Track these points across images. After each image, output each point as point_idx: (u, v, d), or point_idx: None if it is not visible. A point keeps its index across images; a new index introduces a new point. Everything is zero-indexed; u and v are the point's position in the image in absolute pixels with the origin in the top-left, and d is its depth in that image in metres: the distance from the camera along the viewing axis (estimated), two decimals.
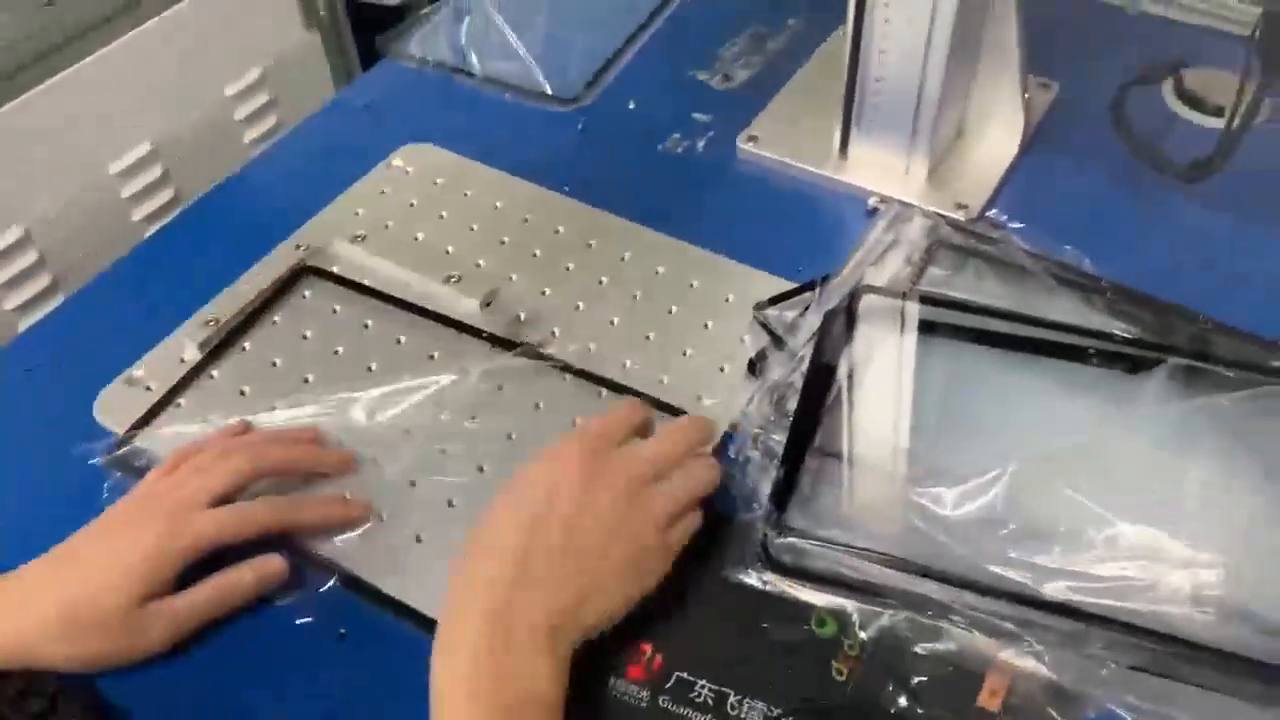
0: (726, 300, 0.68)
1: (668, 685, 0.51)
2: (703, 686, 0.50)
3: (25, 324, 0.95)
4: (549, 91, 0.84)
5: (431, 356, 0.65)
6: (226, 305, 0.68)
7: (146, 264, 0.74)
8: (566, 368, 0.64)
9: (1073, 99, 0.79)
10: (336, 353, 0.66)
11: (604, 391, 0.63)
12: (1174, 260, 0.68)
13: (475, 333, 0.66)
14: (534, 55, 0.86)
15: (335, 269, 0.71)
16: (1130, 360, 0.59)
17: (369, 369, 0.65)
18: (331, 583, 0.55)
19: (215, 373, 0.65)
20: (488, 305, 0.67)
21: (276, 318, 0.68)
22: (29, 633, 0.50)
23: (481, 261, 0.71)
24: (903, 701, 0.49)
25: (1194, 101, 0.79)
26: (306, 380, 0.64)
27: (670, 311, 0.67)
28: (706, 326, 0.66)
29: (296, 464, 0.58)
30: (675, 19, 0.91)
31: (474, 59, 0.87)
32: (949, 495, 0.53)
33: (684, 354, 0.65)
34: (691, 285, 0.69)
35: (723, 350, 0.65)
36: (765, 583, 0.53)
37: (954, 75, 0.69)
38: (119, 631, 0.50)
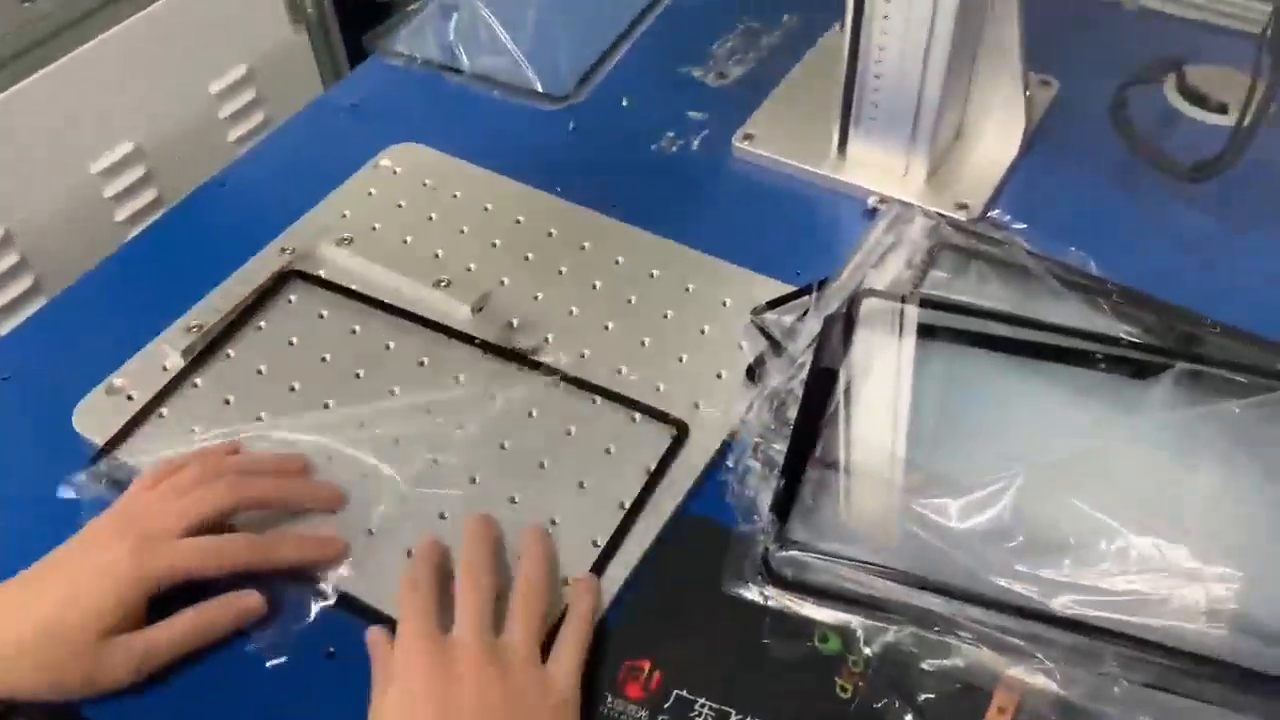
0: (723, 304, 0.66)
1: (666, 704, 0.49)
2: (703, 705, 0.49)
3: (7, 326, 0.93)
4: (539, 89, 0.82)
5: (421, 363, 0.64)
6: (210, 311, 0.66)
7: (127, 268, 0.72)
8: (565, 378, 0.62)
9: (1073, 97, 0.78)
10: (324, 360, 0.64)
11: (598, 399, 0.62)
12: (1178, 261, 0.67)
13: (466, 339, 0.64)
14: (524, 52, 0.85)
15: (322, 273, 0.69)
16: (1136, 365, 0.57)
17: (357, 376, 0.63)
18: (312, 616, 0.53)
19: (199, 381, 0.63)
20: (479, 310, 0.66)
21: (262, 324, 0.66)
22: None
23: (472, 265, 0.69)
24: (909, 719, 0.48)
25: (1196, 98, 0.77)
26: (293, 389, 0.63)
27: (665, 316, 0.66)
28: (703, 331, 0.65)
29: (281, 498, 0.56)
30: (668, 14, 0.89)
31: (463, 56, 0.85)
32: (954, 506, 0.52)
33: (680, 360, 0.63)
34: (687, 289, 0.67)
35: (720, 356, 0.63)
36: (766, 597, 0.52)
37: (954, 73, 0.68)
38: (81, 663, 0.48)
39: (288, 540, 0.55)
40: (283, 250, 0.69)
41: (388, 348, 0.65)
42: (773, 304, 0.65)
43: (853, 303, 0.60)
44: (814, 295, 0.64)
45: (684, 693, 0.49)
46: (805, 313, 0.63)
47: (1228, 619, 0.47)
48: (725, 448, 0.59)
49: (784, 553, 0.51)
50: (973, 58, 0.71)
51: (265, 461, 0.59)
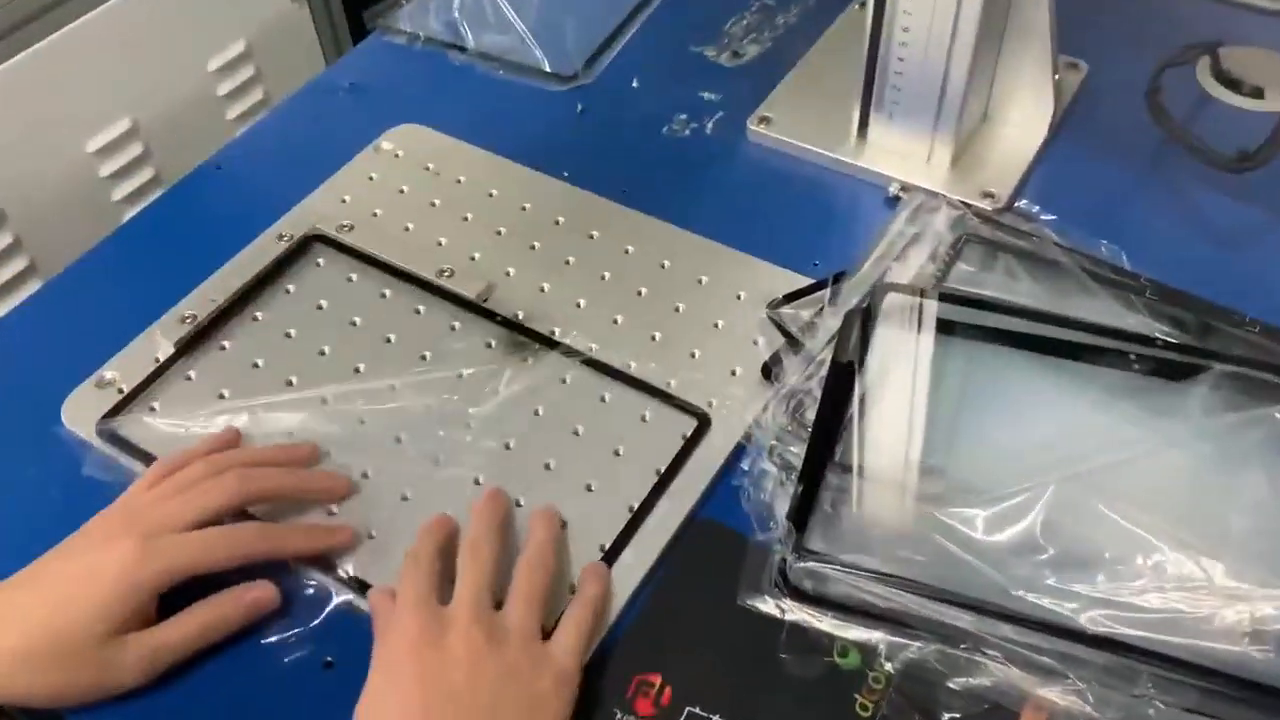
0: (738, 297, 0.63)
1: None
2: None
3: (3, 308, 0.91)
4: (547, 69, 0.79)
5: (424, 357, 0.61)
6: (203, 301, 0.63)
7: (119, 255, 0.69)
8: (586, 360, 0.60)
9: (1103, 79, 0.75)
10: (323, 353, 0.62)
11: (608, 395, 0.59)
12: (1216, 254, 0.64)
13: (478, 318, 0.62)
14: (530, 29, 0.82)
15: (321, 261, 0.66)
16: (1172, 366, 0.54)
17: (357, 370, 0.61)
18: (322, 617, 0.51)
19: (192, 373, 0.61)
20: (484, 302, 0.63)
21: (258, 314, 0.64)
22: None
23: (476, 254, 0.66)
24: None
25: (1230, 82, 0.74)
26: (290, 383, 0.60)
27: (677, 309, 0.63)
28: (716, 326, 0.62)
29: (288, 490, 0.54)
30: None
31: (467, 33, 0.82)
32: (981, 516, 0.49)
33: (692, 355, 0.61)
34: (700, 281, 0.64)
35: (734, 352, 0.61)
36: (783, 610, 0.49)
37: (981, 55, 0.65)
38: (89, 665, 0.46)
39: (297, 528, 0.53)
40: (280, 237, 0.67)
41: (389, 340, 0.62)
42: (789, 297, 0.62)
43: (873, 297, 0.57)
44: (830, 289, 0.61)
45: (696, 709, 0.47)
46: (823, 307, 0.60)
47: (1274, 640, 0.45)
48: (739, 449, 0.56)
49: (802, 564, 0.49)
50: (1000, 38, 0.68)
51: (270, 452, 0.56)
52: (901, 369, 0.55)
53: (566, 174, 0.72)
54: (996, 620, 0.47)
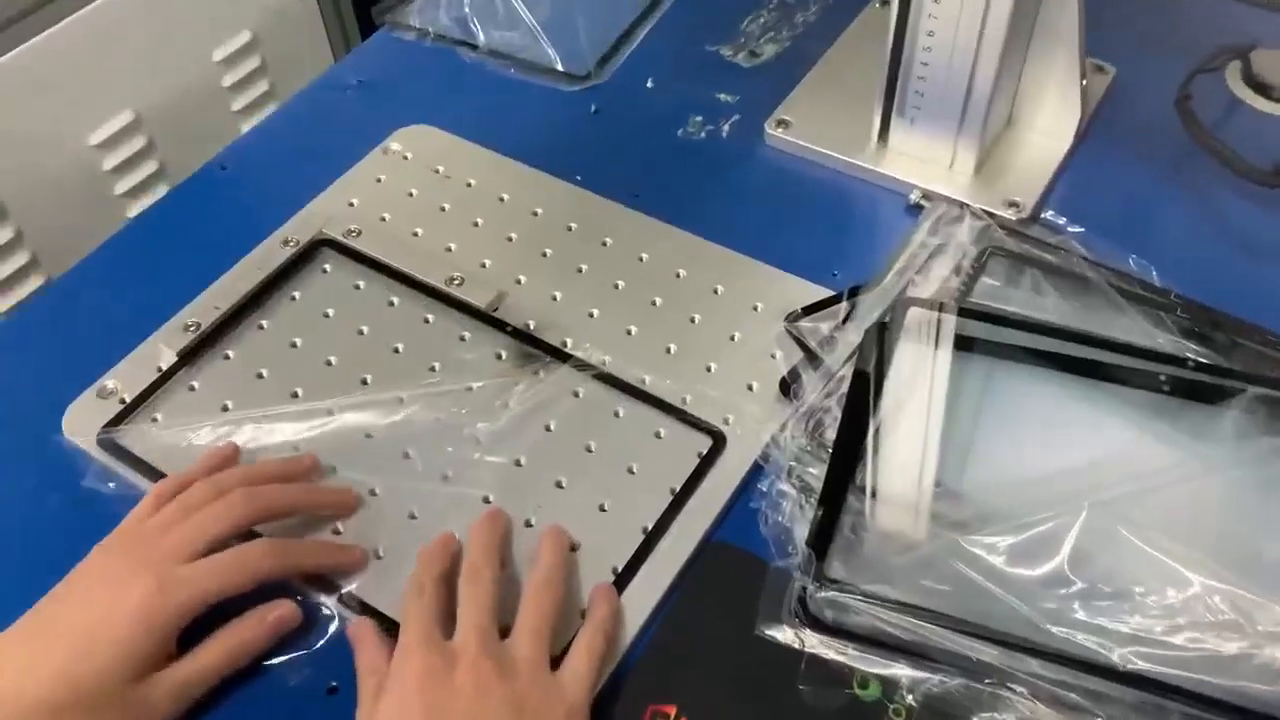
0: (754, 308, 0.62)
1: None
2: None
3: (4, 304, 0.90)
4: (559, 68, 0.77)
5: (433, 368, 0.60)
6: (207, 308, 0.62)
7: (121, 260, 0.68)
8: (598, 374, 0.59)
9: (1131, 83, 0.73)
10: (329, 363, 0.60)
11: (621, 410, 0.57)
12: (1250, 270, 0.63)
13: (489, 327, 0.61)
14: (542, 26, 0.80)
15: (327, 268, 0.65)
16: (1204, 389, 0.53)
17: (364, 381, 0.59)
18: (325, 641, 0.50)
19: (196, 383, 0.60)
20: (494, 311, 0.61)
21: (263, 322, 0.62)
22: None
23: (487, 261, 0.65)
24: None
25: (1261, 87, 0.72)
26: (295, 394, 0.59)
27: (693, 320, 0.62)
28: (733, 338, 0.61)
29: (296, 506, 0.53)
30: None
31: (478, 30, 0.80)
32: (1006, 544, 0.48)
33: (708, 369, 0.59)
34: (716, 291, 0.63)
35: (751, 366, 0.59)
36: (802, 640, 0.48)
37: (1008, 58, 0.63)
38: (116, 710, 0.44)
39: (310, 543, 0.52)
40: (285, 242, 0.65)
41: (397, 350, 0.61)
42: (808, 310, 0.60)
43: (894, 313, 0.56)
44: (844, 304, 0.60)
45: None
46: (844, 320, 0.59)
47: None
48: (757, 469, 0.55)
49: (822, 594, 0.48)
50: (1027, 40, 0.66)
51: (271, 468, 0.55)
52: (923, 387, 0.53)
53: (579, 177, 0.70)
54: (1023, 654, 0.45)
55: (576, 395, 0.58)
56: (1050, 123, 0.69)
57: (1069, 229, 0.63)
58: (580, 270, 0.64)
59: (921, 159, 0.68)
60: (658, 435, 0.56)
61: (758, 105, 0.73)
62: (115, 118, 0.94)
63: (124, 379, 0.59)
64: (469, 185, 0.70)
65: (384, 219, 0.67)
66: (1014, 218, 0.64)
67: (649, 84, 0.77)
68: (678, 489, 0.54)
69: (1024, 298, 0.58)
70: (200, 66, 1.01)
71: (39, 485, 0.56)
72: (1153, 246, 0.61)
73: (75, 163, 0.93)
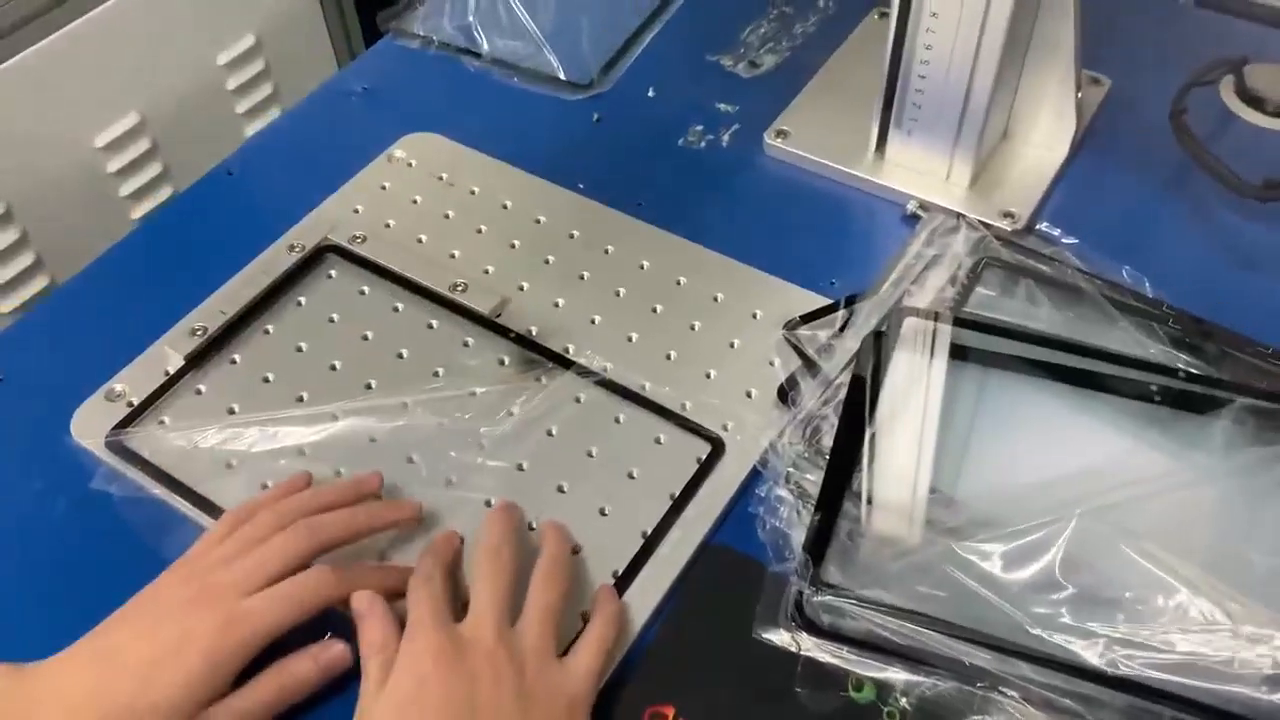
0: (753, 316, 0.63)
1: None
2: None
3: (8, 304, 0.91)
4: (562, 76, 0.78)
5: (436, 373, 0.61)
6: (214, 312, 0.63)
7: (129, 264, 0.69)
8: (600, 381, 0.60)
9: (1125, 96, 0.74)
10: (334, 367, 0.61)
11: (622, 416, 0.58)
12: (1242, 281, 0.64)
13: (492, 334, 0.62)
14: (546, 35, 0.81)
15: (333, 273, 0.66)
16: (1196, 399, 0.54)
17: (369, 386, 0.60)
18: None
19: (202, 387, 0.60)
20: (497, 317, 0.62)
21: (269, 327, 0.63)
22: None
23: (490, 268, 0.66)
24: None
25: (1255, 101, 0.73)
26: (301, 398, 0.60)
27: (693, 328, 0.63)
28: (732, 345, 0.61)
29: (358, 533, 0.52)
30: None
31: (482, 39, 0.81)
32: (999, 551, 0.49)
33: (707, 376, 0.60)
34: (716, 298, 0.64)
35: (750, 373, 0.60)
36: (798, 644, 0.49)
37: (1005, 71, 0.64)
38: None
39: (367, 569, 0.52)
40: (291, 248, 0.66)
41: (401, 356, 0.62)
42: (806, 318, 0.61)
43: (890, 322, 0.57)
44: (842, 312, 0.61)
45: None
46: (842, 329, 0.60)
47: None
48: (755, 475, 0.55)
49: (819, 598, 0.49)
50: (1024, 54, 0.67)
51: (338, 491, 0.54)
52: (918, 395, 0.54)
53: (581, 185, 0.71)
54: (1015, 659, 0.46)
55: (578, 401, 0.59)
56: (1046, 135, 0.70)
57: (1063, 240, 0.64)
58: (582, 277, 0.65)
59: (918, 170, 0.69)
60: (658, 441, 0.57)
61: (757, 115, 0.74)
62: (120, 120, 0.95)
63: (132, 382, 0.60)
64: (472, 193, 0.71)
65: (388, 225, 0.68)
66: (1009, 229, 0.65)
67: (650, 93, 0.78)
68: (677, 494, 0.55)
69: (1018, 308, 0.59)
70: (205, 70, 1.01)
71: (48, 486, 0.57)
72: (1146, 258, 0.62)
73: (80, 165, 0.94)
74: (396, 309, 0.64)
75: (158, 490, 0.56)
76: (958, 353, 0.55)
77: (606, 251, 0.67)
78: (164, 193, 1.01)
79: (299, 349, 0.62)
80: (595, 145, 0.74)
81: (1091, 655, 0.46)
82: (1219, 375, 0.55)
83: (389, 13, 0.84)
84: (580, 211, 0.69)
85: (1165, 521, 0.50)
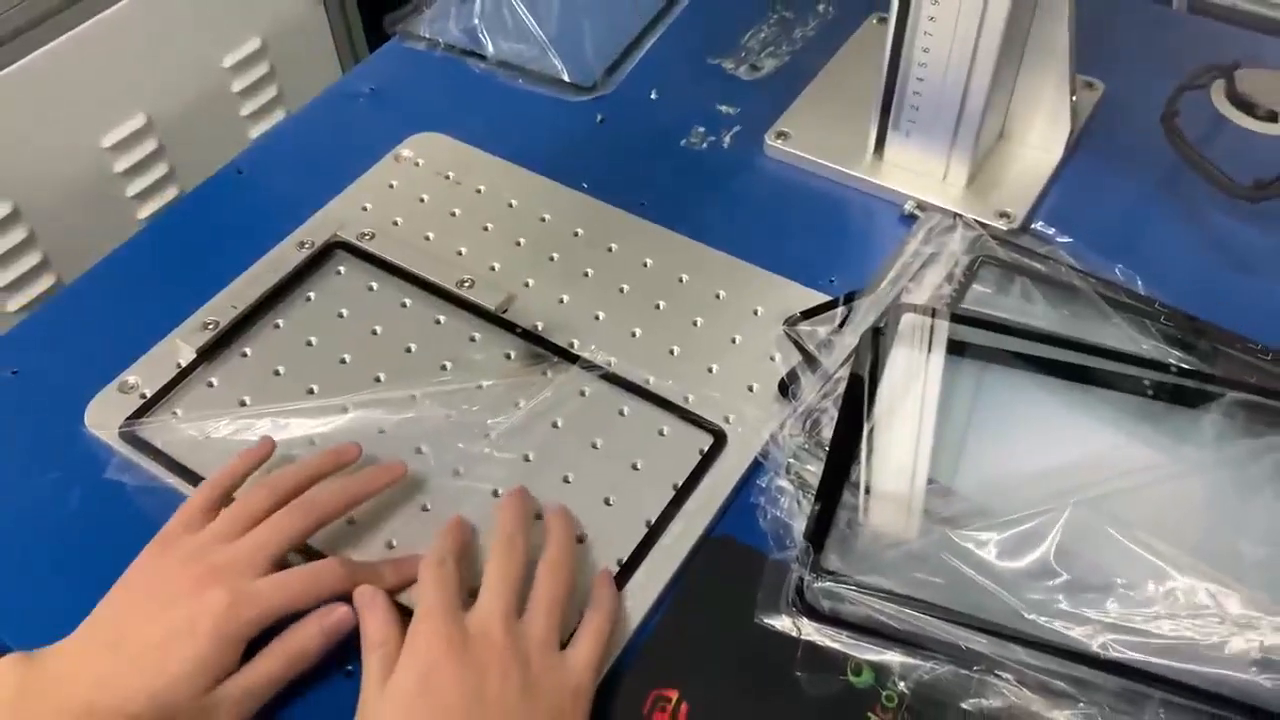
0: (755, 312, 0.64)
1: None
2: None
3: (16, 303, 0.92)
4: (566, 78, 0.80)
5: (444, 367, 0.62)
6: (225, 307, 0.64)
7: (140, 259, 0.70)
8: (605, 375, 0.61)
9: (1119, 99, 0.75)
10: (343, 361, 0.62)
11: (626, 409, 0.60)
12: (1231, 280, 0.65)
13: (498, 329, 0.63)
14: (550, 38, 0.82)
15: (341, 270, 0.67)
16: (1187, 393, 0.55)
17: (377, 379, 0.61)
18: None
19: (214, 379, 0.62)
20: (503, 312, 0.64)
21: (279, 321, 0.64)
22: None
23: (496, 265, 0.67)
24: None
25: (1245, 105, 0.75)
26: (311, 391, 0.61)
27: (695, 324, 0.64)
28: (734, 341, 0.63)
29: (352, 502, 0.54)
30: (698, 2, 0.86)
31: (487, 41, 0.82)
32: (995, 540, 0.50)
33: (710, 370, 0.61)
34: (717, 295, 0.65)
35: (751, 367, 0.61)
36: (799, 629, 0.50)
37: (1001, 75, 0.65)
38: None
39: (384, 568, 0.52)
40: (300, 245, 0.67)
41: (409, 350, 0.63)
42: (807, 314, 0.63)
43: (888, 318, 0.58)
44: (841, 309, 0.62)
45: None
46: (841, 325, 0.61)
47: None
48: (756, 466, 0.57)
49: (819, 584, 0.50)
50: (1019, 58, 0.68)
51: (321, 461, 0.55)
52: (916, 389, 0.56)
53: (585, 184, 0.72)
54: (1010, 643, 0.48)
55: (583, 394, 0.60)
56: (1041, 137, 0.71)
57: (1058, 239, 0.65)
58: (586, 274, 0.67)
59: (916, 171, 0.70)
60: (661, 433, 0.58)
61: (758, 117, 0.76)
62: (127, 121, 0.96)
63: (144, 375, 0.61)
64: (479, 191, 0.72)
65: (396, 223, 0.70)
66: (1005, 228, 0.67)
67: (653, 95, 0.79)
68: (680, 484, 0.56)
69: (1014, 305, 0.61)
70: (211, 72, 1.03)
71: (63, 476, 0.58)
72: (1138, 257, 0.63)
73: (87, 165, 0.95)
74: (404, 304, 0.65)
75: (171, 479, 0.57)
76: (955, 348, 0.57)
77: (610, 249, 0.68)
78: (170, 193, 1.02)
79: (309, 343, 0.63)
80: (599, 146, 0.76)
81: (1085, 640, 0.47)
82: (1210, 370, 0.57)
83: (396, 15, 0.85)
84: (584, 210, 0.70)
85: (1157, 511, 0.51)
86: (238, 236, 0.69)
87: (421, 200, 0.71)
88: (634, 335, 0.63)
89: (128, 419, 0.59)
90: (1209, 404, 0.54)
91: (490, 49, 0.82)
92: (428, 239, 0.69)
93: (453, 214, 0.70)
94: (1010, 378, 0.57)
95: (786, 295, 0.65)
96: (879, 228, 0.69)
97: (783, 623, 0.50)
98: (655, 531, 0.54)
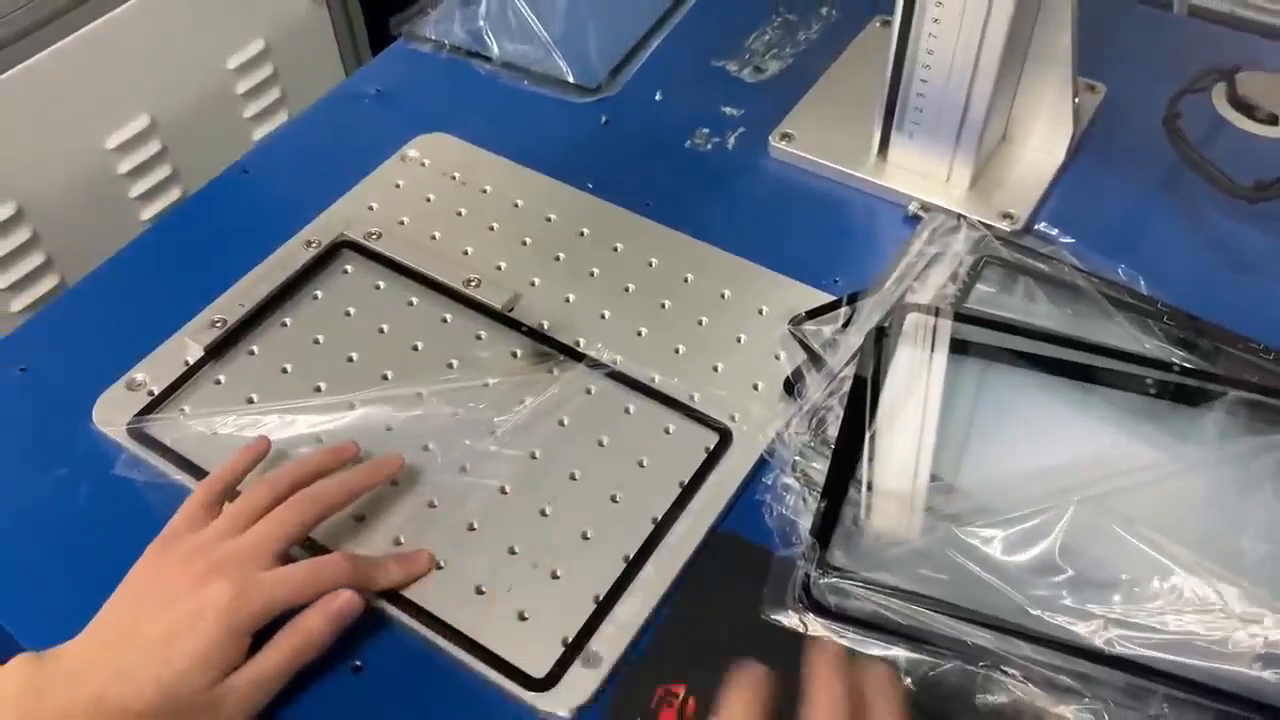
0: (759, 312, 0.64)
1: None
2: None
3: (19, 303, 0.92)
4: (571, 80, 0.80)
5: (450, 365, 0.62)
6: (232, 305, 0.64)
7: (148, 258, 0.70)
8: (611, 373, 0.61)
9: (1121, 102, 0.76)
10: (351, 359, 0.62)
11: (632, 407, 0.60)
12: (1233, 281, 0.65)
13: (505, 327, 0.63)
14: (555, 40, 0.82)
15: (349, 268, 0.67)
16: (1189, 392, 0.56)
17: (385, 377, 0.62)
18: None
19: (222, 377, 0.62)
20: (509, 312, 0.64)
21: (287, 319, 0.64)
22: None
23: (502, 264, 0.67)
24: None
25: (1245, 108, 0.75)
26: (319, 388, 0.61)
27: (700, 323, 0.64)
28: (739, 340, 0.63)
29: (352, 495, 0.54)
30: (702, 5, 0.87)
31: (492, 43, 0.83)
32: (1000, 536, 0.50)
33: (715, 369, 0.62)
34: (723, 295, 0.65)
35: (756, 366, 0.62)
36: (805, 625, 0.50)
37: (1004, 77, 0.65)
38: (199, 713, 0.46)
39: (384, 561, 0.53)
40: (308, 244, 0.68)
41: (416, 348, 0.63)
42: (812, 314, 0.63)
43: (893, 317, 0.58)
44: (846, 308, 0.62)
45: None
46: (846, 324, 0.61)
47: None
48: (762, 464, 0.57)
49: (825, 580, 0.50)
50: (1022, 60, 0.69)
51: (321, 458, 0.56)
52: (920, 388, 0.56)
53: (590, 185, 0.72)
54: (1015, 639, 0.48)
55: (589, 392, 0.61)
56: (1043, 139, 0.72)
57: (1061, 240, 0.66)
58: (592, 274, 0.67)
59: (920, 172, 0.71)
60: (667, 431, 0.59)
61: (762, 119, 0.76)
62: (131, 123, 0.97)
63: (152, 372, 0.62)
64: (484, 191, 0.72)
65: (403, 222, 0.70)
66: (1008, 229, 0.67)
67: (657, 97, 0.79)
68: (686, 482, 0.56)
69: (1017, 304, 0.61)
70: (214, 74, 1.03)
71: (71, 472, 0.58)
72: (1141, 257, 0.64)
73: (91, 166, 0.95)
74: (411, 303, 0.65)
75: (178, 476, 0.57)
76: (958, 347, 0.57)
77: (615, 249, 0.68)
78: (173, 194, 1.02)
79: (316, 341, 0.63)
80: (603, 147, 0.76)
81: (1089, 635, 0.48)
82: (1212, 369, 0.57)
83: (401, 17, 0.86)
84: (589, 210, 0.71)
85: (1160, 508, 0.52)
86: (244, 236, 0.69)
87: (428, 200, 0.72)
88: (639, 334, 0.64)
89: (136, 416, 0.59)
90: (1211, 403, 0.55)
91: (495, 50, 0.82)
92: (434, 238, 0.69)
93: (459, 214, 0.71)
94: (1014, 376, 0.57)
95: (791, 295, 0.65)
96: (882, 228, 0.70)
97: (789, 619, 0.50)
98: (661, 529, 0.55)
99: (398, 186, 0.73)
